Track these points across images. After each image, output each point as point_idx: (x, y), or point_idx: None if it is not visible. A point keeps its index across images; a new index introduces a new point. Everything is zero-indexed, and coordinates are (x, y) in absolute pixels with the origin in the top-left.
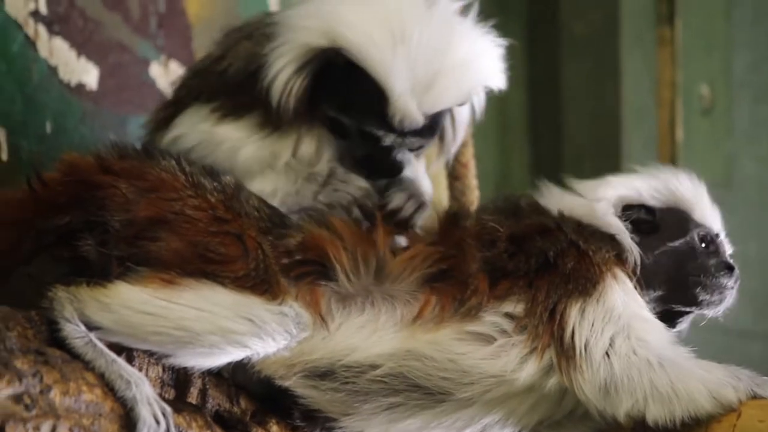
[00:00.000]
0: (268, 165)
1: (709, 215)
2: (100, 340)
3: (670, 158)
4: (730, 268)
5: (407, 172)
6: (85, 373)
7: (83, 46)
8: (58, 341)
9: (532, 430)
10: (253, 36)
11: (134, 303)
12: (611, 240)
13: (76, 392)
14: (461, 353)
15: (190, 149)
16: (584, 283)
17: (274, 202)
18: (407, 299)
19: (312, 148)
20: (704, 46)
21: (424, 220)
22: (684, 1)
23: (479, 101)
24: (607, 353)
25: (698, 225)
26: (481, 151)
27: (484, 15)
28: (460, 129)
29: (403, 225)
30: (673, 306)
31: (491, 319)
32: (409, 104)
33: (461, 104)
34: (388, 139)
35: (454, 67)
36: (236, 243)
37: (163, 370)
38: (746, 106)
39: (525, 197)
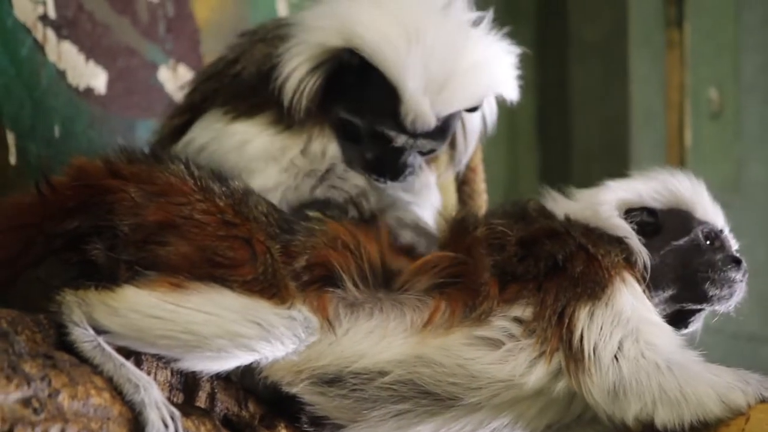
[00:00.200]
0: (274, 159)
1: (711, 212)
2: (109, 343)
3: (679, 162)
4: (737, 262)
5: (413, 185)
6: (94, 377)
7: (92, 50)
8: (66, 345)
9: None
10: (267, 38)
11: (142, 307)
12: (619, 243)
13: (84, 396)
14: (470, 358)
15: (201, 147)
16: (593, 286)
17: (275, 196)
18: (416, 305)
19: (321, 148)
20: (713, 49)
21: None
22: (693, 4)
23: (491, 111)
24: (615, 357)
25: (701, 222)
26: (489, 156)
27: (493, 19)
28: (472, 139)
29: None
30: (685, 305)
31: (500, 323)
32: (422, 104)
33: (473, 108)
34: (400, 140)
35: (467, 69)
36: (245, 247)
37: (172, 373)
38: (755, 110)
39: (532, 202)
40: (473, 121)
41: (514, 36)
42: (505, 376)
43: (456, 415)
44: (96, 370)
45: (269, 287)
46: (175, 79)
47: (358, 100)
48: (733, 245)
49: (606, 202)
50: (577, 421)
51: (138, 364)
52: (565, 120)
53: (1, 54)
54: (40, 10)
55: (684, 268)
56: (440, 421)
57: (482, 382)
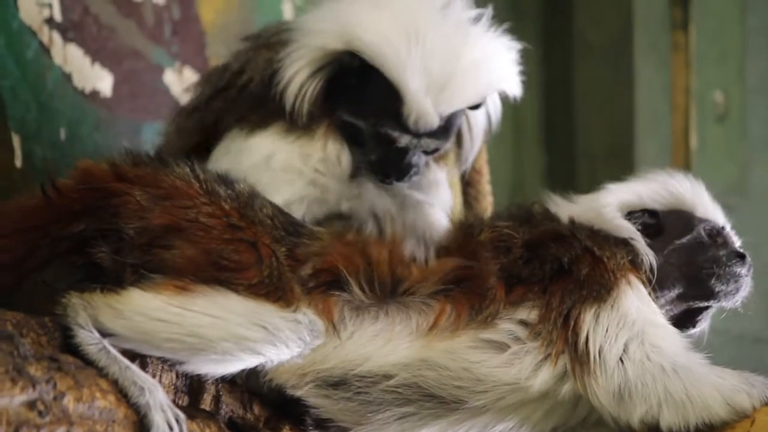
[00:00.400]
0: (299, 172)
1: (711, 211)
2: (114, 346)
3: (684, 165)
4: (741, 257)
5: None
6: (99, 380)
7: (97, 53)
8: (71, 348)
9: None
10: (269, 43)
11: (148, 310)
12: (624, 245)
13: (89, 399)
14: (475, 361)
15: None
16: (598, 289)
17: (300, 209)
18: (422, 308)
19: (336, 153)
20: (718, 52)
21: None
22: (698, 7)
23: (495, 107)
24: (621, 359)
25: (702, 220)
26: (494, 158)
27: (499, 22)
28: (477, 136)
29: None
30: (692, 303)
31: (506, 326)
32: (424, 103)
33: (476, 106)
34: (404, 140)
35: (468, 67)
36: (250, 250)
37: (177, 376)
38: (760, 113)
39: (537, 204)
40: (478, 119)
41: (520, 38)
42: (511, 379)
43: (461, 418)
44: (101, 372)
45: (274, 290)
46: (180, 82)
47: (361, 102)
48: (736, 242)
49: (608, 205)
50: (582, 423)
51: (143, 366)
52: (571, 122)
53: (6, 57)
54: (46, 12)
55: (689, 266)
56: (445, 423)
57: (487, 385)
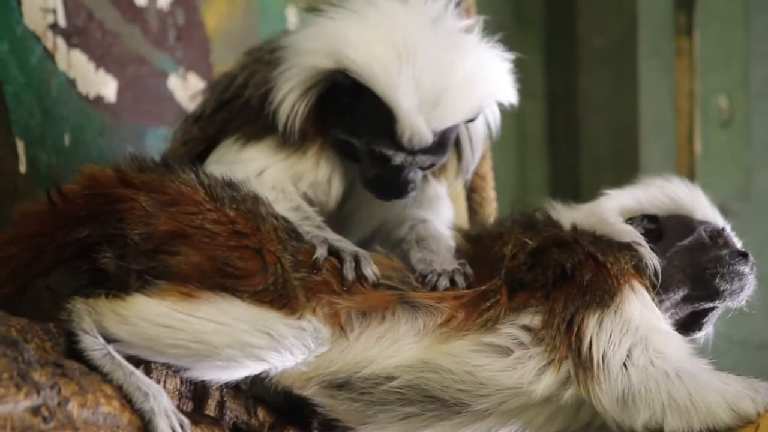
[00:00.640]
0: (287, 193)
1: (710, 213)
2: (118, 352)
3: (689, 170)
4: (744, 255)
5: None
6: (103, 385)
7: (102, 59)
8: (76, 353)
9: None
10: (265, 60)
11: (152, 316)
12: (628, 249)
13: (93, 404)
14: (479, 365)
15: None
16: (602, 294)
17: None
18: (430, 309)
19: (326, 175)
20: (723, 57)
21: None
22: (702, 12)
23: (493, 116)
24: (624, 364)
25: (702, 222)
26: (499, 164)
27: (501, 28)
28: (477, 147)
29: None
30: (697, 305)
31: (508, 331)
32: (417, 121)
33: (470, 120)
34: (399, 158)
35: (460, 82)
36: (255, 257)
37: (181, 382)
38: (765, 117)
39: (539, 211)
40: (477, 129)
41: (523, 44)
42: (514, 384)
43: (464, 421)
44: (106, 378)
45: (279, 298)
46: (185, 88)
47: (354, 120)
48: (737, 242)
49: (608, 210)
50: (585, 428)
51: (147, 372)
52: (575, 128)
53: (11, 62)
54: (51, 18)
55: (692, 267)
56: (448, 426)
57: (491, 389)
